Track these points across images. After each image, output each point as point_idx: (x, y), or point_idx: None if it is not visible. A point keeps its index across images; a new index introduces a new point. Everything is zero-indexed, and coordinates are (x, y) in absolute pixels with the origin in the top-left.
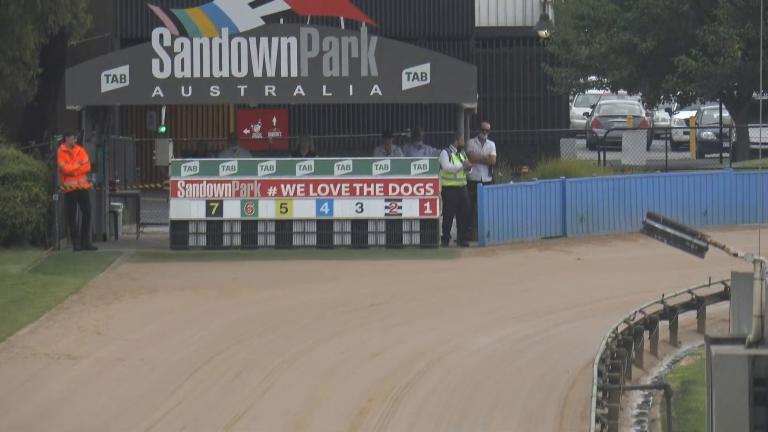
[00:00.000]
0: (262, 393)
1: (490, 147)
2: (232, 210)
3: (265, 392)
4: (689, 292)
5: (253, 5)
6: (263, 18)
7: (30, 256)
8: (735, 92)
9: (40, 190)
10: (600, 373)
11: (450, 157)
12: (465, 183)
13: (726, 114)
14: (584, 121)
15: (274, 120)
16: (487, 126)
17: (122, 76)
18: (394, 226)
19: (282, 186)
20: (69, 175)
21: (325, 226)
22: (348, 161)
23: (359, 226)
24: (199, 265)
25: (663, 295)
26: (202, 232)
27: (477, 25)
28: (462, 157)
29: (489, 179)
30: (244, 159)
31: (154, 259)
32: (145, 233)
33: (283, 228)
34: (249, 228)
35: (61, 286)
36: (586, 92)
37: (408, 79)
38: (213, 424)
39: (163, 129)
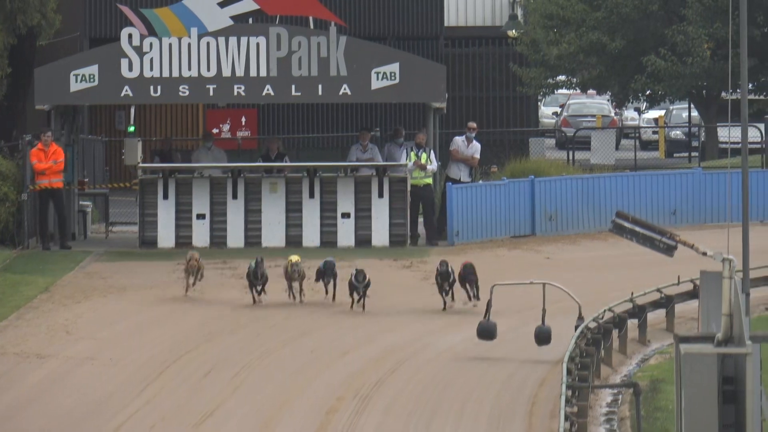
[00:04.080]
0: (231, 391)
1: (475, 148)
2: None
3: (235, 391)
4: (658, 290)
5: (222, 5)
6: (232, 18)
7: None
8: (704, 92)
9: (9, 190)
10: (569, 372)
11: (407, 156)
12: (424, 182)
13: (695, 113)
14: (553, 121)
15: (243, 119)
16: (474, 125)
17: (91, 76)
18: (363, 225)
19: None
20: (40, 173)
21: (293, 228)
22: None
23: (328, 226)
24: (167, 264)
25: (632, 294)
26: (171, 232)
27: (446, 24)
28: (423, 156)
29: (468, 180)
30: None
31: (123, 258)
32: (114, 232)
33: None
34: (218, 229)
35: (30, 285)
36: (555, 92)
37: (377, 79)
38: (182, 423)
39: (132, 128)
